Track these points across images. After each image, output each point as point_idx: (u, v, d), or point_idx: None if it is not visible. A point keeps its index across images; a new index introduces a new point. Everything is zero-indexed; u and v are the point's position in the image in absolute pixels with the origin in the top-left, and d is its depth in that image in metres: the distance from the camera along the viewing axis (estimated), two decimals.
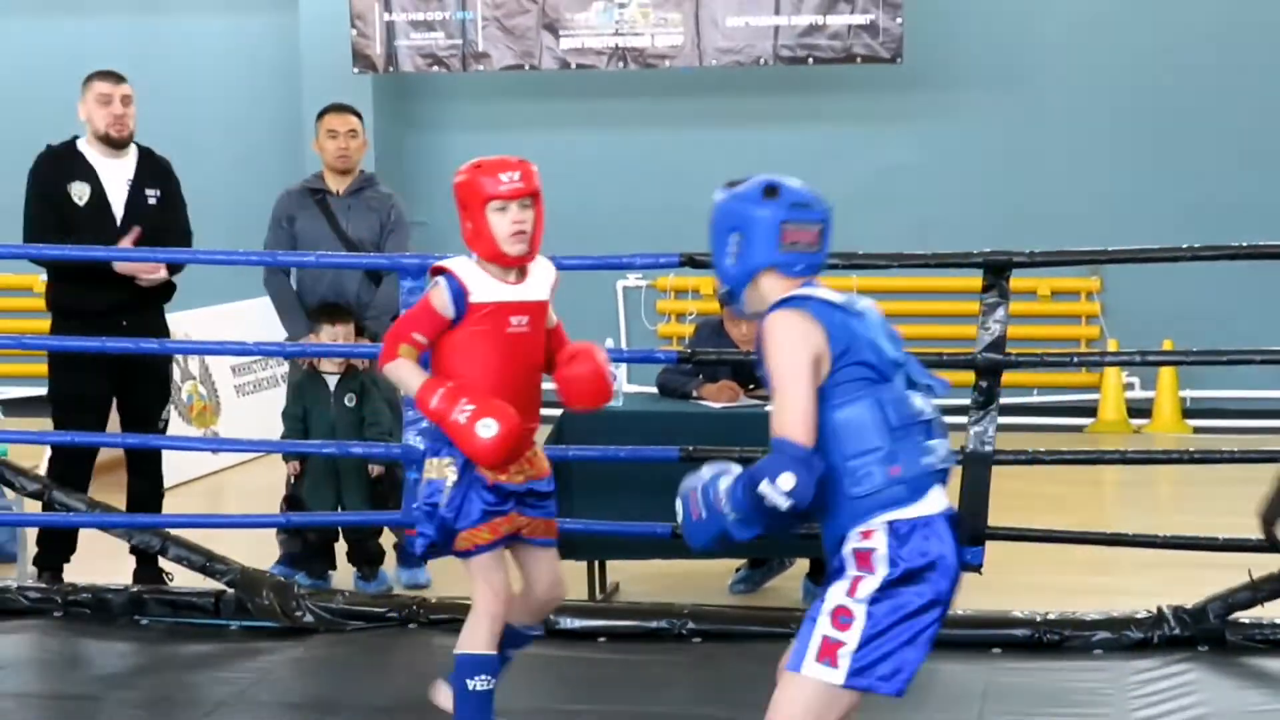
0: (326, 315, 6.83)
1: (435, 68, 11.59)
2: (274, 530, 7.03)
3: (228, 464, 9.62)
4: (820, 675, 3.48)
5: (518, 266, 4.55)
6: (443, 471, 4.54)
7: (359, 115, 7.18)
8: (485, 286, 4.50)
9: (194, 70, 12.19)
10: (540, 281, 4.60)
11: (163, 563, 6.77)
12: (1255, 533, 5.91)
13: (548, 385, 4.69)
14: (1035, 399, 11.25)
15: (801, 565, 6.82)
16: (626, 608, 6.45)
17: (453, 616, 6.19)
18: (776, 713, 3.53)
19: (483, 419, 4.35)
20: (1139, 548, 6.36)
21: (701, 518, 3.59)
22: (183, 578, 6.73)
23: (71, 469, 6.76)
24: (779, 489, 3.40)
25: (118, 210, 6.72)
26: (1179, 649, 5.85)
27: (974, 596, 6.25)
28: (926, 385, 3.62)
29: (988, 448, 5.98)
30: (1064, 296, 11.38)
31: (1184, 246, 6.19)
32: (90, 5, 12.41)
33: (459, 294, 4.47)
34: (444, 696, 4.72)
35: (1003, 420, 6.22)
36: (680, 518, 3.67)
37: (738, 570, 6.90)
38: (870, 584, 3.48)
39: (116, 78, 6.81)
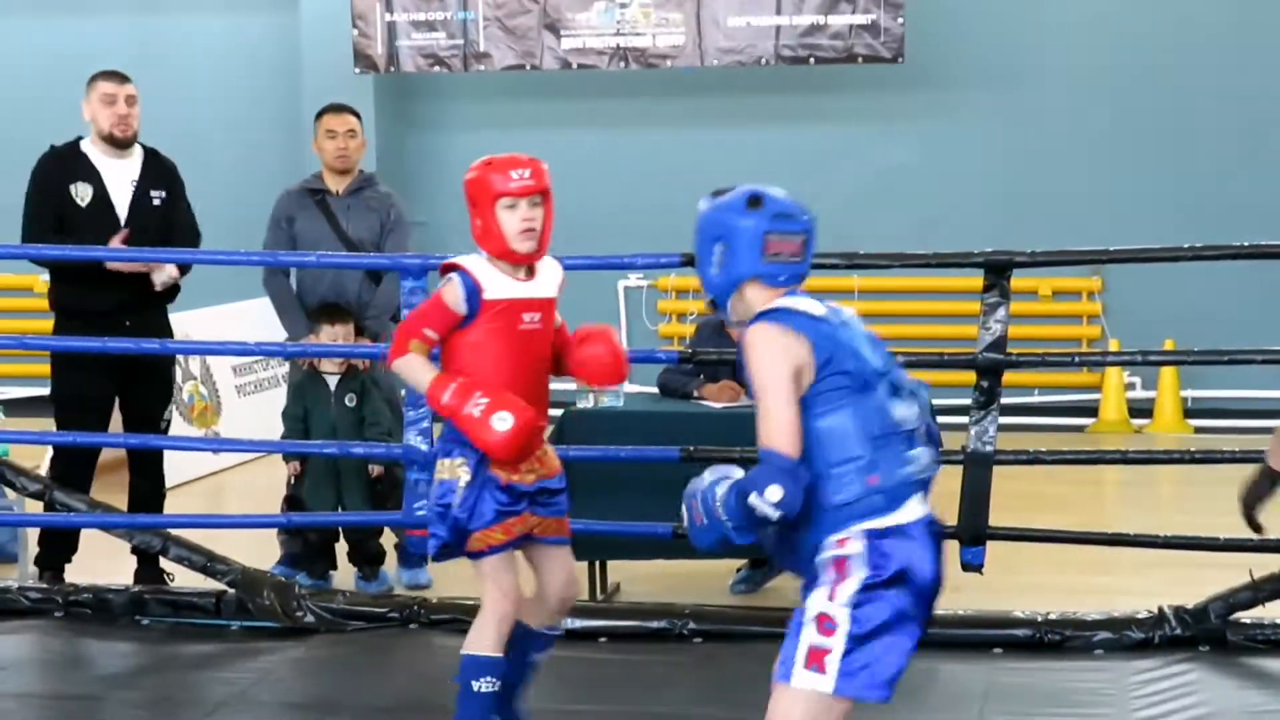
0: (326, 315, 6.83)
1: (436, 68, 11.59)
2: (275, 530, 7.03)
3: (228, 464, 9.63)
4: (810, 684, 3.48)
5: (526, 264, 4.55)
6: (455, 472, 4.51)
7: (357, 115, 7.18)
8: (498, 283, 4.50)
9: (195, 70, 12.19)
10: (549, 279, 4.61)
11: (164, 563, 6.77)
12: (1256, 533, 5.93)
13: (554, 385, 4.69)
14: (1036, 399, 11.25)
15: None
16: (627, 608, 6.46)
17: (454, 617, 6.21)
18: None
19: (498, 412, 4.34)
20: (1140, 548, 6.36)
21: (703, 523, 3.60)
22: (184, 578, 6.73)
23: (73, 469, 6.76)
24: (767, 501, 3.43)
25: (121, 211, 6.72)
26: (1180, 649, 5.85)
27: (975, 596, 6.27)
28: (911, 393, 3.63)
29: (989, 448, 5.99)
30: (1065, 296, 11.37)
31: (1185, 246, 6.19)
32: (90, 5, 12.40)
33: (472, 291, 4.47)
34: None
35: (1004, 420, 6.22)
36: (685, 521, 3.67)
37: (739, 570, 6.90)
38: (849, 588, 3.49)
39: (121, 78, 6.81)
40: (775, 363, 3.50)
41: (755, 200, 3.65)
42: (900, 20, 10.96)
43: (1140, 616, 6.00)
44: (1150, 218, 10.68)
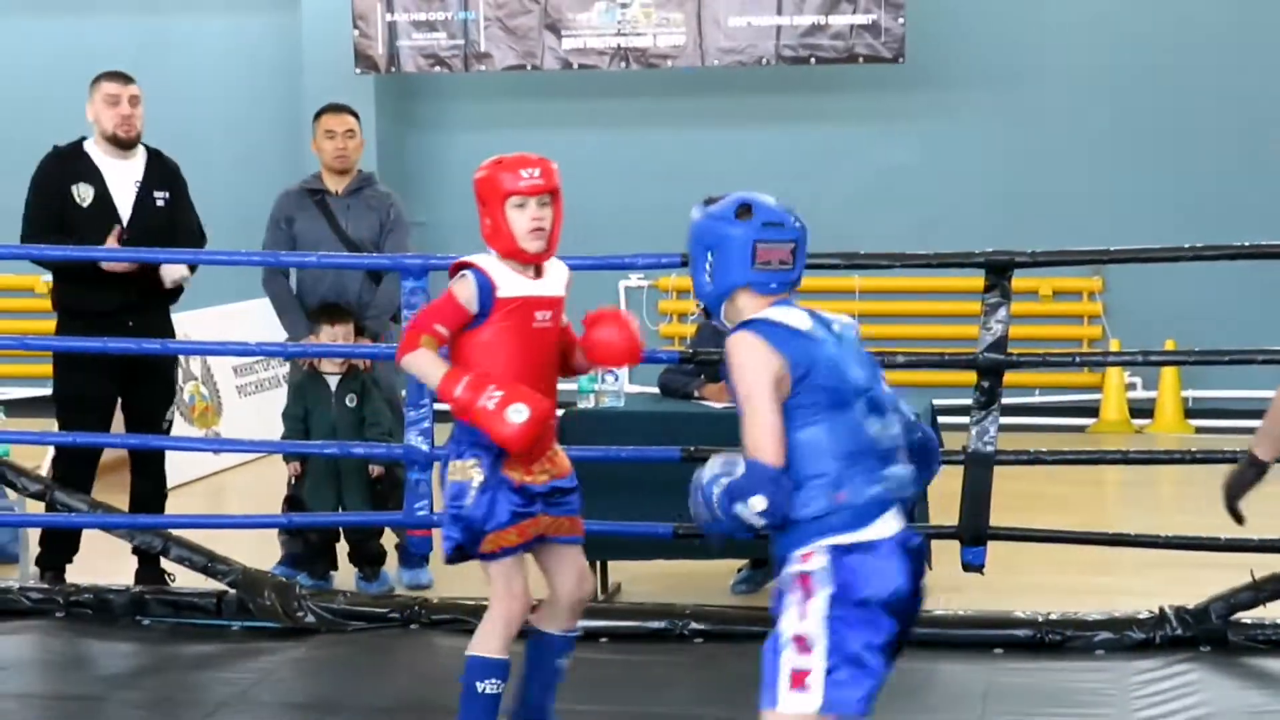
0: (326, 316, 6.83)
1: (437, 68, 11.59)
2: (275, 531, 7.03)
3: (229, 464, 9.63)
4: (797, 706, 3.50)
5: (535, 264, 4.55)
6: (468, 473, 4.49)
7: (356, 115, 7.18)
8: (511, 281, 4.50)
9: (196, 70, 12.20)
10: (557, 278, 4.61)
11: (165, 563, 6.77)
12: (1257, 533, 5.93)
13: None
14: (1037, 399, 11.25)
15: None
16: (628, 608, 6.45)
17: (455, 617, 6.21)
18: None
19: (513, 404, 4.31)
20: (1141, 548, 6.36)
21: (707, 519, 3.62)
22: (184, 578, 6.73)
23: (75, 469, 6.76)
24: (752, 510, 3.49)
25: (124, 211, 6.72)
26: (1181, 649, 5.85)
27: (975, 596, 6.28)
28: (892, 410, 3.65)
29: (989, 448, 5.99)
30: (1066, 296, 11.38)
31: (1186, 246, 6.19)
32: (91, 5, 12.41)
33: (486, 288, 4.46)
34: None
35: (1004, 420, 6.22)
36: (692, 511, 3.70)
37: (739, 570, 6.90)
38: (819, 606, 3.50)
39: (124, 78, 6.81)
40: (756, 371, 3.54)
41: (745, 209, 3.67)
42: (901, 20, 10.96)
43: (1141, 617, 6.00)
44: (1150, 218, 10.68)
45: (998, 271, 6.04)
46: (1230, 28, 11.03)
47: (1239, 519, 4.32)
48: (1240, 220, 9.67)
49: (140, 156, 6.81)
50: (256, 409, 9.94)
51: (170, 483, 7.17)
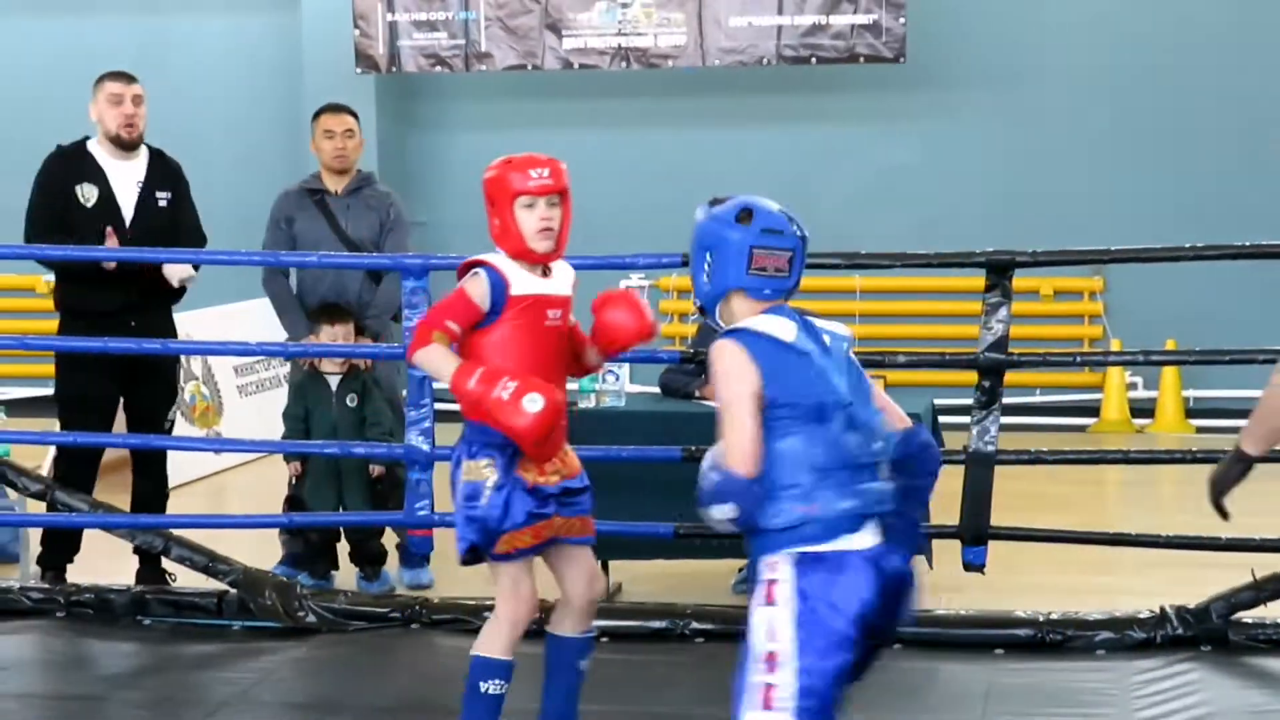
0: (326, 316, 6.83)
1: (438, 68, 11.59)
2: (276, 531, 7.03)
3: (230, 464, 9.63)
4: None
5: (543, 264, 4.54)
6: (482, 473, 4.46)
7: (355, 115, 7.17)
8: (523, 280, 4.49)
9: (196, 70, 12.20)
10: (564, 279, 4.61)
11: (165, 563, 6.77)
12: (1258, 532, 5.94)
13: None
14: (1038, 399, 11.25)
15: None
16: (629, 608, 6.45)
17: (455, 617, 6.21)
18: None
19: (528, 394, 4.29)
20: (1142, 547, 6.36)
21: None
22: (185, 578, 6.73)
23: (77, 469, 6.76)
24: (722, 515, 3.53)
25: (127, 212, 6.72)
26: (1182, 649, 5.85)
27: (976, 596, 6.28)
28: (869, 427, 3.65)
29: (990, 447, 5.98)
30: (1066, 296, 11.38)
31: (1187, 246, 6.19)
32: (91, 5, 12.41)
33: (499, 286, 4.45)
34: None
35: (1005, 420, 6.22)
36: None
37: (741, 570, 6.89)
38: (785, 618, 3.54)
39: (128, 78, 6.81)
40: (735, 380, 3.57)
41: (746, 214, 3.69)
42: (902, 20, 10.96)
43: (1142, 616, 5.99)
44: (1151, 218, 10.68)
45: (998, 271, 6.04)
46: (1230, 28, 11.03)
47: (1224, 515, 4.31)
48: (1241, 220, 9.67)
49: (143, 157, 6.82)
50: (257, 409, 9.94)
51: (171, 482, 7.17)
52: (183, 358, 8.99)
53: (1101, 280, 11.22)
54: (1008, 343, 6.02)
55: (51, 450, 7.52)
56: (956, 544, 6.06)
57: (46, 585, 6.69)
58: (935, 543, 6.20)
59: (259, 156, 11.88)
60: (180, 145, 7.20)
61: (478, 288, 4.46)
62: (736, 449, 3.53)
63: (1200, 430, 10.60)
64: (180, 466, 8.29)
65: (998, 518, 6.06)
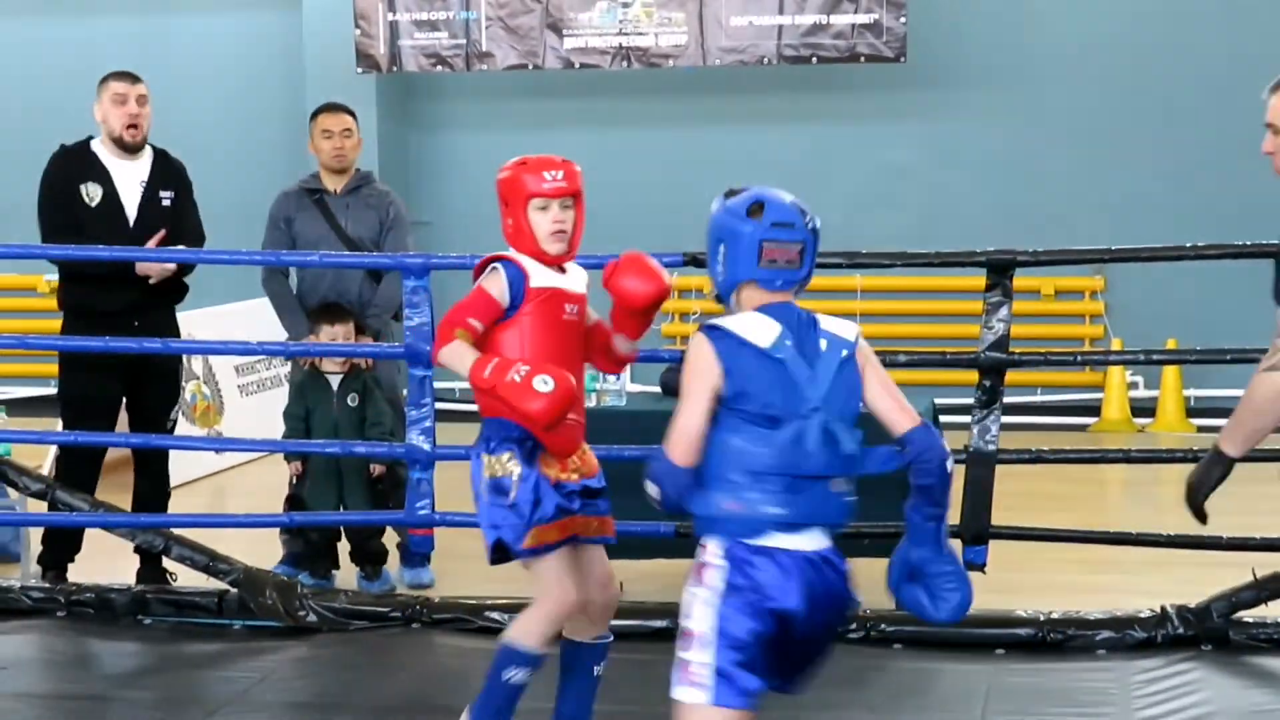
0: (326, 315, 6.83)
1: (439, 68, 11.58)
2: (277, 530, 7.03)
3: (231, 464, 9.63)
4: (688, 698, 3.63)
5: (556, 265, 4.55)
6: (505, 467, 4.46)
7: (353, 114, 7.17)
8: (541, 273, 4.50)
9: (197, 69, 12.19)
10: (579, 278, 4.63)
11: (166, 562, 6.77)
12: (1259, 532, 5.94)
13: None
14: (1039, 398, 11.25)
15: None
16: (630, 607, 6.43)
17: (456, 616, 6.22)
18: None
19: (539, 375, 4.28)
20: (1143, 547, 6.35)
21: None
22: (186, 577, 6.74)
23: (79, 469, 6.76)
24: (650, 494, 3.69)
25: (130, 212, 6.72)
26: (1183, 648, 5.85)
27: (977, 596, 6.22)
28: (835, 439, 3.64)
29: (991, 447, 5.99)
30: (1067, 295, 11.38)
31: (1188, 245, 6.21)
32: (93, 4, 12.41)
33: (518, 279, 4.45)
34: None
35: (1006, 419, 6.22)
36: None
37: None
38: (711, 602, 3.63)
39: (132, 78, 6.81)
40: (696, 375, 3.67)
41: (757, 207, 3.71)
42: (902, 20, 10.96)
43: (1143, 616, 5.99)
44: (1152, 216, 10.68)
45: (999, 270, 6.04)
46: (1230, 28, 11.02)
47: (1202, 518, 4.29)
48: (1242, 219, 9.64)
49: (147, 156, 6.82)
50: (258, 408, 9.94)
51: (172, 482, 7.17)
52: (184, 357, 9.00)
53: (1102, 280, 11.22)
54: (1008, 342, 6.02)
55: (53, 450, 7.52)
56: (957, 543, 6.05)
57: (47, 584, 6.70)
58: None
59: (260, 156, 11.88)
60: (181, 144, 7.20)
61: (497, 284, 4.46)
62: (678, 436, 3.65)
63: (1201, 430, 10.59)
64: (181, 466, 8.29)
65: (998, 517, 6.06)
